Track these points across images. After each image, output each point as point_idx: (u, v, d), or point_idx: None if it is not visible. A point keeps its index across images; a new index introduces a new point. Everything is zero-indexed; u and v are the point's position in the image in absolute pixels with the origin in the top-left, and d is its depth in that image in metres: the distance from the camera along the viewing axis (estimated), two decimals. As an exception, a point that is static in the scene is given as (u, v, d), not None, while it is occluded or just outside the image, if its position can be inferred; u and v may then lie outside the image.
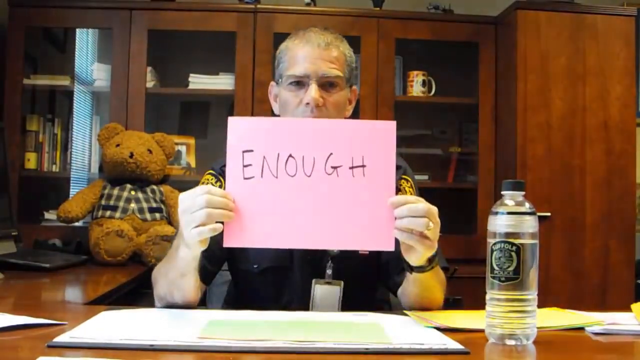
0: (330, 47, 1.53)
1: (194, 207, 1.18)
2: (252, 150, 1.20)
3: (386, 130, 1.23)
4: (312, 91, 1.49)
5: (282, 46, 1.59)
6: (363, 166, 1.21)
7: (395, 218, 1.20)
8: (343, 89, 1.55)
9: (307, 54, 1.51)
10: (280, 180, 1.20)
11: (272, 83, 1.63)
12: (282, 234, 1.21)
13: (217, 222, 1.18)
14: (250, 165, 1.20)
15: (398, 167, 1.55)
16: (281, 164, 1.20)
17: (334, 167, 1.20)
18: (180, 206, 1.22)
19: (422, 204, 1.20)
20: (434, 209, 1.21)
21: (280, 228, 1.21)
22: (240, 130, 1.21)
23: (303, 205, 1.20)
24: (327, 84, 1.51)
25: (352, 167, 1.20)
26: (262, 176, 1.20)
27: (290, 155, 1.19)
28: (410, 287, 1.38)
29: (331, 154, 1.20)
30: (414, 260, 1.27)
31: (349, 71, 1.57)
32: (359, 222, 1.21)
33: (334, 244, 1.30)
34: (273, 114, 1.64)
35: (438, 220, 1.22)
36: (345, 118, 1.60)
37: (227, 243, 1.20)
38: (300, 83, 1.52)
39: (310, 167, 1.20)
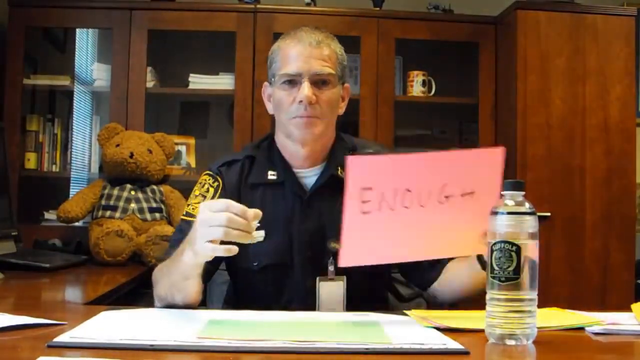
0: (322, 45, 1.54)
1: (212, 221, 1.18)
2: (370, 188, 1.21)
3: (494, 156, 1.26)
4: (305, 89, 1.50)
5: (274, 46, 1.61)
6: (472, 193, 1.24)
7: None
8: (335, 87, 1.56)
9: (299, 52, 1.53)
10: (396, 212, 1.22)
11: (266, 83, 1.65)
12: (394, 251, 1.29)
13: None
14: (368, 201, 1.21)
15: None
16: (398, 198, 1.22)
17: (447, 197, 1.24)
18: (199, 215, 1.22)
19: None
20: None
21: (393, 247, 1.27)
22: (359, 168, 1.22)
23: (414, 228, 1.25)
24: (319, 82, 1.53)
25: (463, 195, 1.23)
26: (380, 210, 1.22)
27: (406, 190, 1.22)
28: (471, 279, 1.45)
29: (444, 185, 1.23)
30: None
31: (341, 69, 1.59)
32: (462, 237, 1.28)
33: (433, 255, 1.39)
34: (269, 114, 1.65)
35: None
36: (338, 115, 1.62)
37: (344, 263, 1.25)
38: (293, 82, 1.53)
39: (424, 199, 1.23)
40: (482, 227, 1.18)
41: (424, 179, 1.22)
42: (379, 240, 1.24)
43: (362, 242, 1.23)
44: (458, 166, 1.24)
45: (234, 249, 1.19)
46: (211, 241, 1.19)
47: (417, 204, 1.22)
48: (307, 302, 1.51)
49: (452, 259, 1.53)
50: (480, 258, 1.33)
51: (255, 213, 1.20)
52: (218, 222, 1.18)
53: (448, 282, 1.53)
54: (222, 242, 1.21)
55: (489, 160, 1.25)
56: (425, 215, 1.23)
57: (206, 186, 1.60)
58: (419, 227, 1.24)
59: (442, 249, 1.32)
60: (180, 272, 1.32)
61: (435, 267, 1.55)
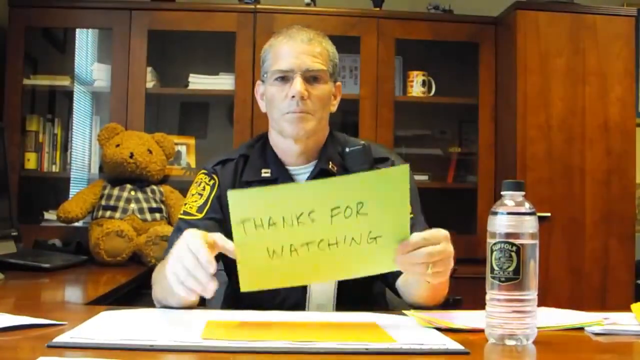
0: (313, 42, 1.55)
1: (183, 259, 1.16)
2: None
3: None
4: (297, 84, 1.51)
5: (266, 45, 1.63)
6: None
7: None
8: (327, 83, 1.57)
9: (290, 49, 1.54)
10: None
11: (259, 82, 1.67)
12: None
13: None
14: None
15: (385, 159, 1.60)
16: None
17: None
18: (180, 240, 1.20)
19: (422, 251, 1.18)
20: (436, 249, 1.19)
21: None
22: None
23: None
24: (311, 78, 1.54)
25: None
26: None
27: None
28: (420, 290, 1.40)
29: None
30: (424, 283, 1.30)
31: (333, 66, 1.60)
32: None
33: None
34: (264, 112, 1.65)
35: (450, 249, 1.22)
36: (331, 112, 1.63)
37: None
38: (285, 78, 1.54)
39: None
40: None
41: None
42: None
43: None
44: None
45: (194, 300, 1.22)
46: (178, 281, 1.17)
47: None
48: (302, 301, 1.52)
49: None
50: None
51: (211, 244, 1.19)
52: (184, 264, 1.16)
53: (404, 286, 1.48)
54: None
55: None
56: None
57: (202, 184, 1.60)
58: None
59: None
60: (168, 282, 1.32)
61: None
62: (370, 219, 1.15)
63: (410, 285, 1.44)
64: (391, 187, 1.15)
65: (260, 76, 1.64)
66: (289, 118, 1.53)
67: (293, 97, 1.51)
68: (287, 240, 1.16)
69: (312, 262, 1.19)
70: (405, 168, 1.17)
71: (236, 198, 1.14)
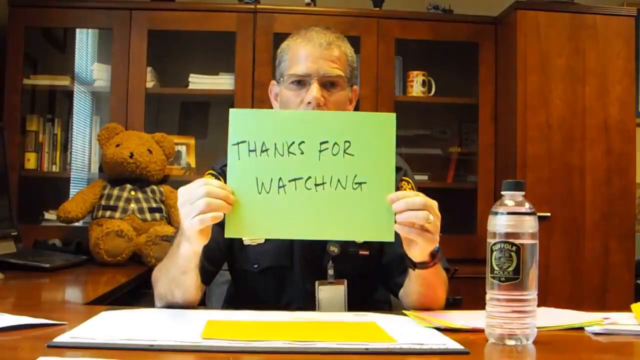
0: (332, 47, 1.53)
1: (193, 197, 1.19)
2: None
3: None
4: (314, 90, 1.49)
5: (283, 45, 1.59)
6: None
7: (395, 213, 1.21)
8: (344, 89, 1.55)
9: (308, 53, 1.52)
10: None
11: (273, 82, 1.63)
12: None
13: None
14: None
15: (399, 169, 1.55)
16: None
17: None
18: (179, 199, 1.23)
19: (420, 198, 1.22)
20: (434, 203, 1.24)
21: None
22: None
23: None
24: (328, 84, 1.52)
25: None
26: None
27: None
28: (412, 285, 1.39)
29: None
30: (416, 255, 1.28)
31: (350, 71, 1.58)
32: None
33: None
34: None
35: (438, 213, 1.24)
36: None
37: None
38: (301, 82, 1.52)
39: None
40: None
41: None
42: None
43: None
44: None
45: (219, 215, 1.19)
46: (198, 215, 1.19)
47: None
48: (307, 304, 1.51)
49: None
50: (405, 254, 1.30)
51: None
52: (199, 196, 1.19)
53: (403, 289, 1.46)
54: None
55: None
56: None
57: None
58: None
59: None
60: (178, 267, 1.32)
61: (405, 272, 1.45)
62: (356, 160, 1.20)
63: (406, 287, 1.42)
64: (378, 131, 1.21)
65: (276, 77, 1.61)
66: None
67: (309, 103, 1.49)
68: (276, 172, 1.20)
69: (300, 208, 1.21)
70: (392, 116, 1.23)
71: (236, 116, 1.21)
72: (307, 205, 1.21)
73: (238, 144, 1.20)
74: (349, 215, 1.22)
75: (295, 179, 1.20)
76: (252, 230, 1.23)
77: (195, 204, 1.19)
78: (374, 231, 1.24)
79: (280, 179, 1.20)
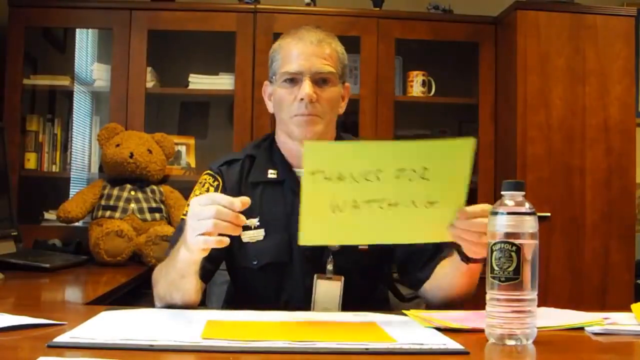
0: (323, 44, 1.54)
1: (202, 214, 1.19)
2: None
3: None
4: (306, 87, 1.50)
5: (275, 45, 1.61)
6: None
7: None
8: (336, 85, 1.56)
9: (300, 51, 1.53)
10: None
11: (266, 82, 1.65)
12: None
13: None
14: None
15: None
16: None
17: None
18: (189, 210, 1.23)
19: (481, 220, 1.25)
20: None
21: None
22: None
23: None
24: (320, 80, 1.53)
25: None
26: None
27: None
28: (457, 278, 1.43)
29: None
30: (473, 254, 1.32)
31: (342, 68, 1.59)
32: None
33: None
34: (272, 113, 1.65)
35: None
36: (339, 114, 1.62)
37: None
38: (294, 80, 1.53)
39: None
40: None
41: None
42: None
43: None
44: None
45: (226, 240, 1.19)
46: (203, 234, 1.19)
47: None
48: (307, 300, 1.51)
49: (441, 260, 1.51)
50: (458, 250, 1.35)
51: (242, 201, 1.20)
52: (207, 215, 1.18)
53: (437, 282, 1.51)
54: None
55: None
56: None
57: (206, 185, 1.60)
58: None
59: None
60: (178, 271, 1.32)
61: (427, 267, 1.53)
62: (431, 184, 1.21)
63: (447, 275, 1.46)
64: (455, 156, 1.23)
65: (269, 76, 1.62)
66: (297, 121, 1.53)
67: (302, 99, 1.50)
68: (351, 195, 1.21)
69: (372, 221, 1.23)
70: (470, 141, 1.25)
71: (311, 148, 1.21)
72: (380, 221, 1.24)
73: (313, 173, 1.18)
74: (416, 228, 1.27)
75: (370, 200, 1.22)
76: (326, 238, 1.28)
77: (202, 222, 1.19)
78: (432, 232, 1.30)
79: (355, 200, 1.21)
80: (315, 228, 1.23)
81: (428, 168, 1.20)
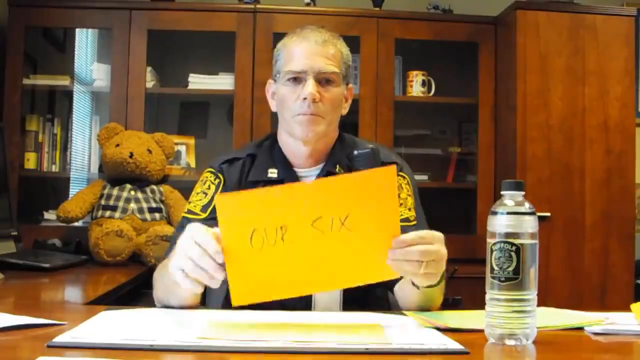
0: (327, 44, 1.54)
1: (188, 251, 1.16)
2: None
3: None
4: (309, 86, 1.50)
5: (279, 44, 1.61)
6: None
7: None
8: (339, 86, 1.56)
9: (304, 50, 1.53)
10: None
11: (270, 81, 1.64)
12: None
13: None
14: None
15: (393, 163, 1.55)
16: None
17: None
18: (183, 234, 1.20)
19: (418, 246, 1.16)
20: (432, 247, 1.18)
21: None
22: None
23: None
24: (323, 80, 1.53)
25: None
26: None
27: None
28: (413, 296, 1.37)
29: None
30: (418, 283, 1.26)
31: (345, 69, 1.58)
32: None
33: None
34: (272, 113, 1.64)
35: (444, 251, 1.20)
36: (342, 115, 1.62)
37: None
38: (297, 79, 1.53)
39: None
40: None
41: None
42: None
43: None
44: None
45: (199, 290, 1.18)
46: (182, 272, 1.17)
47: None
48: (305, 304, 1.51)
49: None
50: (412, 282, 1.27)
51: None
52: (190, 255, 1.16)
53: (398, 292, 1.47)
54: None
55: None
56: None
57: (207, 183, 1.60)
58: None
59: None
60: (171, 277, 1.32)
61: None
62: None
63: (404, 292, 1.42)
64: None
65: (272, 75, 1.61)
66: (299, 120, 1.52)
67: (305, 99, 1.50)
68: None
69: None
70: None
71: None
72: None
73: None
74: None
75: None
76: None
77: (184, 259, 1.16)
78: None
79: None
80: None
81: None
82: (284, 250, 1.14)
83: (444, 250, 1.21)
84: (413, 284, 1.28)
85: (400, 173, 1.59)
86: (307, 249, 1.15)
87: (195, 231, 1.18)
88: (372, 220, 1.14)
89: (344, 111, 1.63)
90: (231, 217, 1.13)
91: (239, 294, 1.16)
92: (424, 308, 1.38)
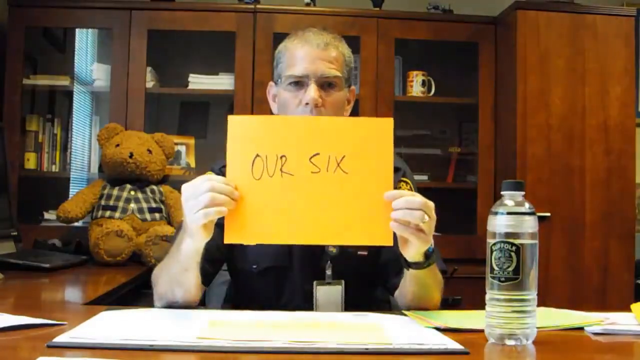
0: (329, 47, 1.53)
1: (197, 192, 1.20)
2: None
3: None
4: (312, 91, 1.49)
5: (280, 46, 1.60)
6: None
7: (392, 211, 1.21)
8: (342, 89, 1.55)
9: (306, 54, 1.52)
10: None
11: (271, 83, 1.63)
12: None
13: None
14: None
15: (397, 169, 1.55)
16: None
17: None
18: (183, 195, 1.23)
19: (418, 197, 1.22)
20: (430, 204, 1.23)
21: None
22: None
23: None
24: (326, 84, 1.52)
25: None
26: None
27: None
28: (407, 285, 1.38)
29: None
30: (410, 255, 1.28)
31: (348, 71, 1.58)
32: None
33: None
34: (272, 114, 1.64)
35: (434, 215, 1.24)
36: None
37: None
38: (299, 83, 1.52)
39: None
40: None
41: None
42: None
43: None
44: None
45: (224, 210, 1.19)
46: (202, 209, 1.20)
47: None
48: (306, 304, 1.51)
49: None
50: (400, 254, 1.30)
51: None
52: (203, 191, 1.19)
53: (399, 288, 1.46)
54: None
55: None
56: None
57: None
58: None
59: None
60: (179, 264, 1.32)
61: (400, 273, 1.45)
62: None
63: (400, 290, 1.42)
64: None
65: (273, 78, 1.61)
66: None
67: (307, 103, 1.49)
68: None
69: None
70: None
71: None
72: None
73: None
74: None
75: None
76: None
77: (199, 198, 1.19)
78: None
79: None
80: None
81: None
82: (282, 187, 1.20)
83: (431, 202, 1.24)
84: (405, 265, 1.31)
85: (403, 178, 1.59)
86: (303, 189, 1.21)
87: (190, 182, 1.23)
88: (366, 165, 1.21)
89: (346, 114, 1.61)
90: (239, 137, 1.21)
91: (233, 232, 1.21)
92: (421, 300, 1.38)
